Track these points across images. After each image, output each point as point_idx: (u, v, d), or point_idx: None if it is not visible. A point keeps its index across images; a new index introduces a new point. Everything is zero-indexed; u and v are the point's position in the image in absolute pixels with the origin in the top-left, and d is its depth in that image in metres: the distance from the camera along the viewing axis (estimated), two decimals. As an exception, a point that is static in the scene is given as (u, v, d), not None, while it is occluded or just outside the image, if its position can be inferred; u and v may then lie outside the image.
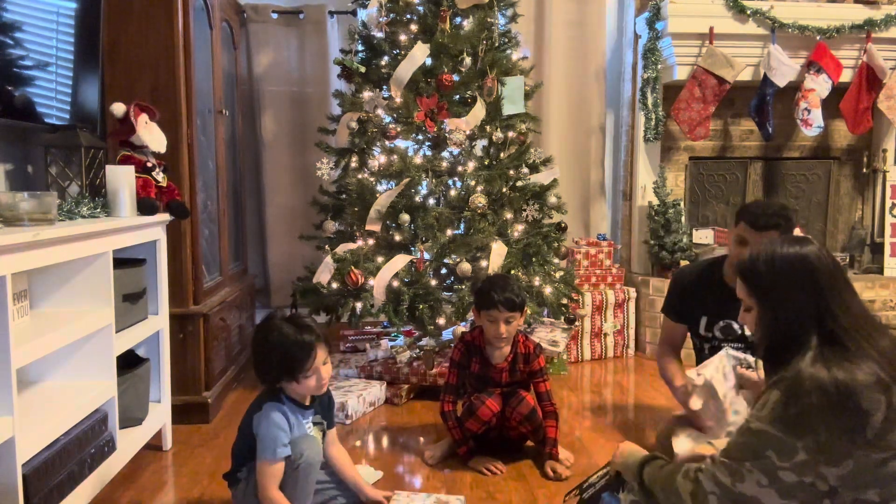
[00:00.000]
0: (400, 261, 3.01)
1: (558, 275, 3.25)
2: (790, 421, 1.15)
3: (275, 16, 3.98)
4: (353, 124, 3.22)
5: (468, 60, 3.19)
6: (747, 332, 2.38)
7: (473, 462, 2.39)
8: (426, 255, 3.08)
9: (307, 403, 1.92)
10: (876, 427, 1.11)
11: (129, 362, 2.31)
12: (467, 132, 3.13)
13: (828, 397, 1.12)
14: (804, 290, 1.24)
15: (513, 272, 3.06)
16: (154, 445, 2.53)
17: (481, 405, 2.36)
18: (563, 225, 3.41)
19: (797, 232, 2.33)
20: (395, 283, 2.99)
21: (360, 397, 2.93)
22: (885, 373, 1.14)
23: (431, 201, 3.18)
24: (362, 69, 3.21)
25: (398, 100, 3.14)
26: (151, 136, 2.37)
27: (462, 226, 3.19)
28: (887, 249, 4.12)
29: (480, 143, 3.34)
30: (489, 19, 3.31)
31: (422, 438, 2.70)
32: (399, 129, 3.11)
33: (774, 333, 1.28)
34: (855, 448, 1.12)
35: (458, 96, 3.25)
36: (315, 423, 1.94)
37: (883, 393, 1.12)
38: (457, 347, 2.49)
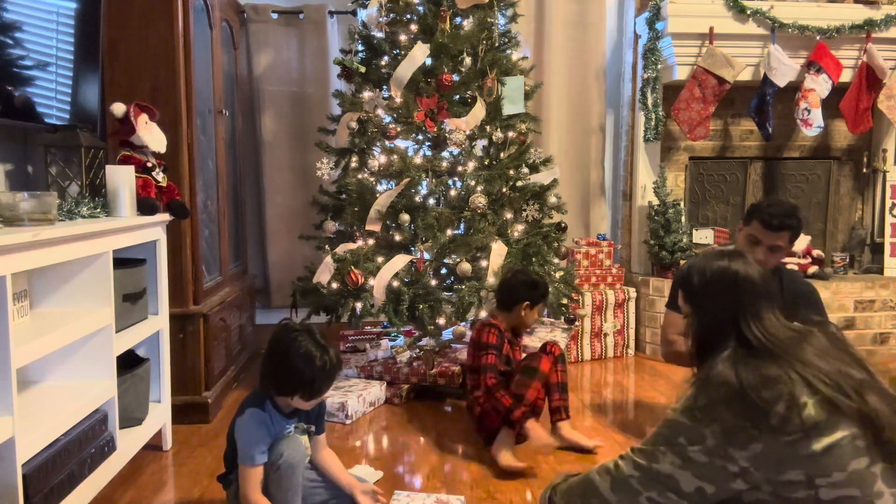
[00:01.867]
0: (400, 261, 3.01)
1: (558, 275, 3.25)
2: (698, 411, 1.27)
3: (275, 16, 3.98)
4: (353, 124, 3.22)
5: (468, 60, 3.19)
6: None
7: (531, 424, 2.37)
8: (426, 255, 3.08)
9: (288, 412, 1.89)
10: (779, 414, 1.20)
11: (129, 362, 2.31)
12: (467, 132, 3.13)
13: (731, 390, 1.24)
14: (726, 299, 1.38)
15: (513, 272, 3.06)
16: (154, 445, 2.52)
17: (540, 358, 2.52)
18: (563, 225, 3.41)
19: (802, 234, 2.35)
20: (395, 283, 2.98)
21: (360, 397, 2.93)
22: (790, 369, 1.24)
23: (431, 201, 3.18)
24: (362, 69, 3.21)
25: (398, 100, 3.14)
26: (151, 136, 2.37)
27: (462, 226, 3.19)
28: (887, 249, 4.12)
29: (480, 143, 3.34)
30: (489, 19, 3.31)
31: (422, 438, 2.70)
32: (399, 129, 3.11)
33: (700, 336, 1.42)
34: (760, 433, 1.21)
35: (458, 96, 3.25)
36: (298, 428, 1.91)
37: (784, 384, 1.22)
38: (491, 333, 2.56)
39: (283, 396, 1.84)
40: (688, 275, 1.45)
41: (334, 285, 3.00)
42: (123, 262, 2.26)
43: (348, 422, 2.85)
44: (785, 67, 3.80)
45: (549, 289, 2.65)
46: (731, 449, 1.23)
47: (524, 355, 2.68)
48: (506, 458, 2.35)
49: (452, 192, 3.17)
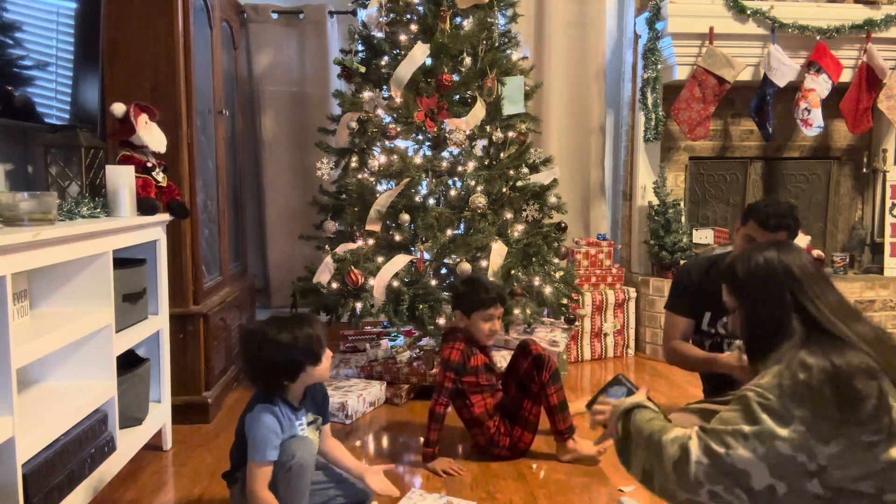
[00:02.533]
0: (400, 261, 3.01)
1: (558, 275, 3.25)
2: (788, 390, 1.19)
3: (275, 16, 3.98)
4: (353, 124, 3.22)
5: (468, 60, 3.19)
6: None
7: (433, 464, 2.38)
8: (426, 255, 3.08)
9: (300, 400, 1.91)
10: (868, 411, 1.15)
11: (129, 362, 2.31)
12: (467, 132, 3.13)
13: (825, 374, 1.18)
14: (781, 287, 1.33)
15: (513, 272, 3.06)
16: (154, 445, 2.53)
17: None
18: (563, 225, 3.41)
19: (801, 233, 2.34)
20: (395, 283, 2.98)
21: (360, 397, 2.93)
22: (873, 360, 1.19)
23: (431, 201, 3.18)
24: (362, 69, 3.21)
25: (398, 100, 3.14)
26: (151, 136, 2.37)
27: (462, 226, 3.18)
28: (887, 249, 4.12)
29: (480, 143, 3.34)
30: (489, 19, 3.31)
31: (422, 438, 2.69)
32: (399, 129, 3.11)
33: (755, 327, 1.36)
34: (846, 427, 1.16)
35: (458, 96, 3.25)
36: (309, 423, 1.94)
37: (874, 379, 1.17)
38: (455, 349, 2.42)
39: (285, 387, 1.84)
40: (733, 269, 1.41)
41: (334, 285, 3.00)
42: (123, 262, 2.26)
43: (348, 422, 2.85)
44: (785, 67, 3.80)
45: (495, 294, 2.42)
46: (814, 441, 1.16)
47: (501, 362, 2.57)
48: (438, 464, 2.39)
49: (452, 192, 3.17)
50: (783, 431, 1.18)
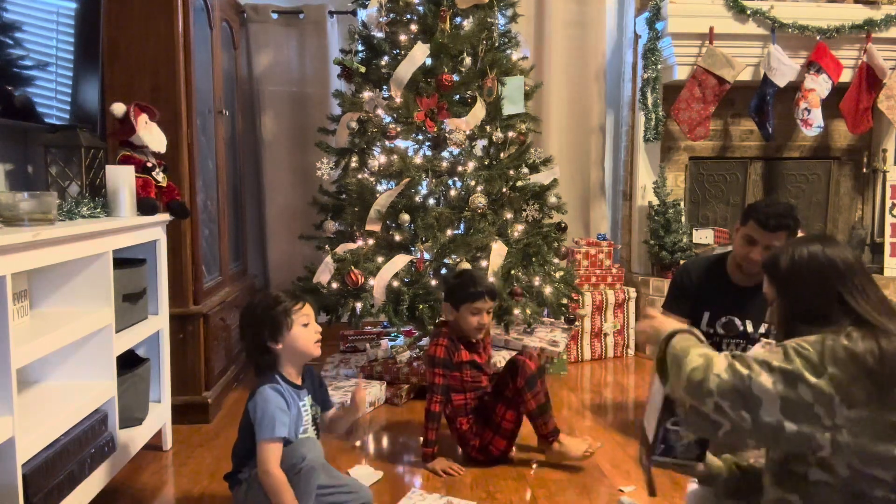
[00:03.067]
0: (400, 261, 3.01)
1: (558, 275, 3.25)
2: (829, 350, 1.20)
3: (275, 16, 3.98)
4: (353, 124, 3.22)
5: (468, 60, 3.19)
6: (748, 330, 2.39)
7: (433, 464, 2.38)
8: (426, 255, 3.08)
9: (300, 382, 1.92)
10: None
11: (129, 362, 2.31)
12: (467, 132, 3.13)
13: (871, 351, 1.18)
14: (824, 280, 1.32)
15: (513, 272, 3.06)
16: (154, 445, 2.53)
17: (525, 360, 2.39)
18: (563, 225, 3.41)
19: (800, 233, 2.34)
20: (395, 283, 2.98)
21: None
22: None
23: (431, 201, 3.18)
24: (362, 69, 3.21)
25: (398, 100, 3.14)
26: (151, 136, 2.37)
27: (462, 226, 3.18)
28: (887, 249, 4.12)
29: (480, 143, 3.34)
30: (489, 19, 3.31)
31: (422, 438, 2.69)
32: (399, 129, 3.11)
33: (795, 319, 1.35)
34: (875, 402, 1.16)
35: (458, 96, 3.25)
36: (311, 406, 1.95)
37: None
38: (440, 345, 2.41)
39: (282, 337, 1.85)
40: (776, 260, 1.39)
41: (334, 285, 3.00)
42: (123, 262, 2.26)
43: (348, 422, 2.84)
44: (785, 67, 3.80)
45: (485, 287, 2.40)
46: (838, 401, 1.17)
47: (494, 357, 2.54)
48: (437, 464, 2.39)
49: (452, 192, 3.17)
50: (811, 378, 1.19)
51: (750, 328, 2.39)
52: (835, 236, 1.42)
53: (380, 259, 3.04)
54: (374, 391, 3.05)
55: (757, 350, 1.30)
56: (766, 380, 1.20)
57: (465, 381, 2.46)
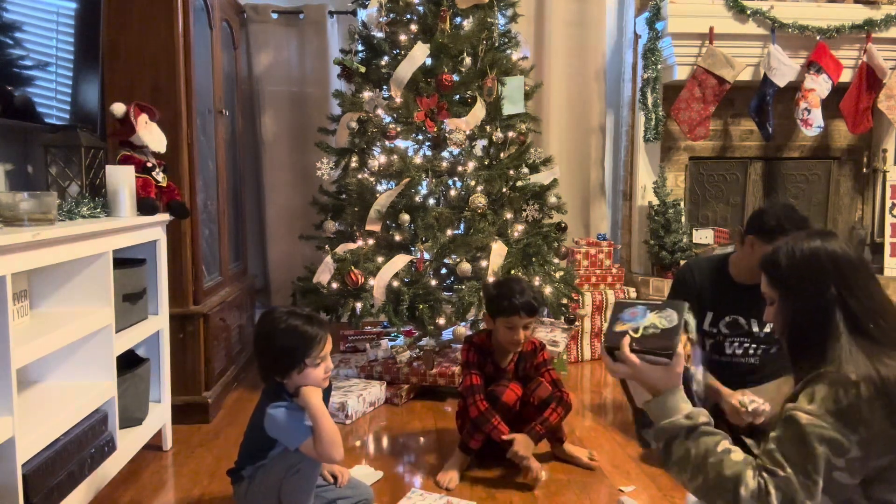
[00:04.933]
0: (400, 261, 3.01)
1: (558, 275, 3.25)
2: (843, 413, 1.15)
3: (275, 16, 3.98)
4: (353, 124, 3.22)
5: (468, 60, 3.19)
6: (754, 329, 2.38)
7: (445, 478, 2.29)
8: (426, 255, 3.08)
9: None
10: None
11: (129, 362, 2.31)
12: (467, 132, 3.13)
13: (876, 388, 1.14)
14: (825, 278, 1.26)
15: (513, 272, 3.06)
16: (154, 445, 2.52)
17: (505, 389, 2.33)
18: (563, 225, 3.41)
19: None
20: (395, 283, 2.98)
21: (360, 397, 2.93)
22: None
23: (431, 201, 3.18)
24: (362, 69, 3.21)
25: (398, 100, 3.14)
26: (151, 136, 2.37)
27: (462, 226, 3.18)
28: (887, 249, 4.12)
29: (480, 143, 3.34)
30: (489, 19, 3.31)
31: (422, 438, 2.70)
32: (399, 129, 3.11)
33: (797, 322, 1.30)
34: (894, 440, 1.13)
35: (458, 96, 3.25)
36: None
37: None
38: (468, 350, 2.41)
39: (289, 377, 1.83)
40: (774, 259, 1.34)
41: (334, 285, 3.00)
42: (123, 262, 2.26)
43: (348, 422, 2.85)
44: (785, 67, 3.80)
45: (522, 302, 2.27)
46: (872, 460, 1.15)
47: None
48: (446, 479, 2.27)
49: (452, 192, 3.17)
50: (840, 461, 1.15)
51: (755, 327, 2.39)
52: (834, 232, 1.37)
53: (380, 259, 3.04)
54: (375, 391, 3.05)
55: (777, 441, 1.21)
56: (808, 493, 1.14)
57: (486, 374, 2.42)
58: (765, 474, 1.17)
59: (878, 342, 1.20)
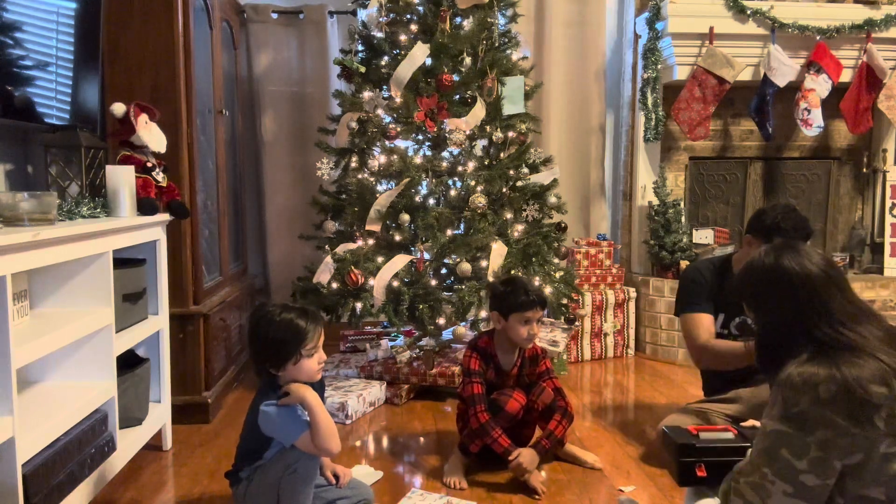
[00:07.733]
0: (400, 261, 3.01)
1: (558, 275, 3.25)
2: (799, 415, 1.17)
3: (275, 16, 3.98)
4: (353, 124, 3.22)
5: (468, 60, 3.19)
6: None
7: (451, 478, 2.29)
8: (426, 255, 3.08)
9: None
10: (884, 419, 1.14)
11: (129, 362, 2.31)
12: (467, 132, 3.13)
13: (835, 385, 1.15)
14: (784, 300, 1.29)
15: (513, 272, 3.06)
16: (154, 445, 2.53)
17: (508, 398, 2.31)
18: (563, 225, 3.41)
19: None
20: (395, 283, 2.99)
21: (360, 397, 2.93)
22: (886, 363, 1.17)
23: (431, 201, 3.18)
24: (362, 69, 3.21)
25: (398, 100, 3.14)
26: (151, 136, 2.37)
27: (462, 226, 3.19)
28: (887, 249, 4.12)
29: (480, 143, 3.34)
30: (489, 19, 3.31)
31: (422, 439, 2.70)
32: (399, 129, 3.11)
33: (766, 337, 1.33)
34: (863, 438, 1.14)
35: (458, 96, 3.25)
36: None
37: (886, 385, 1.15)
38: (471, 357, 2.36)
39: (284, 368, 1.83)
40: (736, 280, 1.37)
41: (334, 285, 3.00)
42: (123, 262, 2.26)
43: (348, 422, 2.85)
44: (785, 67, 3.80)
45: (535, 295, 2.29)
46: (836, 460, 1.16)
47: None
48: (454, 481, 2.27)
49: (452, 192, 3.17)
50: (802, 463, 1.17)
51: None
52: (798, 245, 1.36)
53: (380, 259, 3.04)
54: (375, 391, 3.05)
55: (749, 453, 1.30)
56: (777, 497, 1.19)
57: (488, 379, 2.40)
58: (737, 479, 1.27)
59: (844, 348, 1.21)
